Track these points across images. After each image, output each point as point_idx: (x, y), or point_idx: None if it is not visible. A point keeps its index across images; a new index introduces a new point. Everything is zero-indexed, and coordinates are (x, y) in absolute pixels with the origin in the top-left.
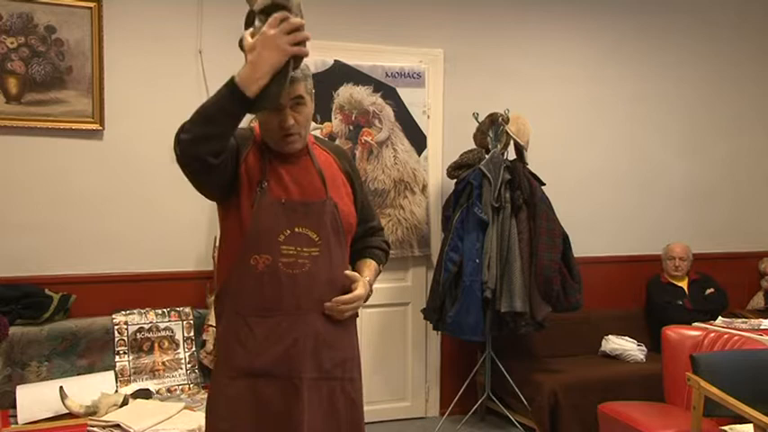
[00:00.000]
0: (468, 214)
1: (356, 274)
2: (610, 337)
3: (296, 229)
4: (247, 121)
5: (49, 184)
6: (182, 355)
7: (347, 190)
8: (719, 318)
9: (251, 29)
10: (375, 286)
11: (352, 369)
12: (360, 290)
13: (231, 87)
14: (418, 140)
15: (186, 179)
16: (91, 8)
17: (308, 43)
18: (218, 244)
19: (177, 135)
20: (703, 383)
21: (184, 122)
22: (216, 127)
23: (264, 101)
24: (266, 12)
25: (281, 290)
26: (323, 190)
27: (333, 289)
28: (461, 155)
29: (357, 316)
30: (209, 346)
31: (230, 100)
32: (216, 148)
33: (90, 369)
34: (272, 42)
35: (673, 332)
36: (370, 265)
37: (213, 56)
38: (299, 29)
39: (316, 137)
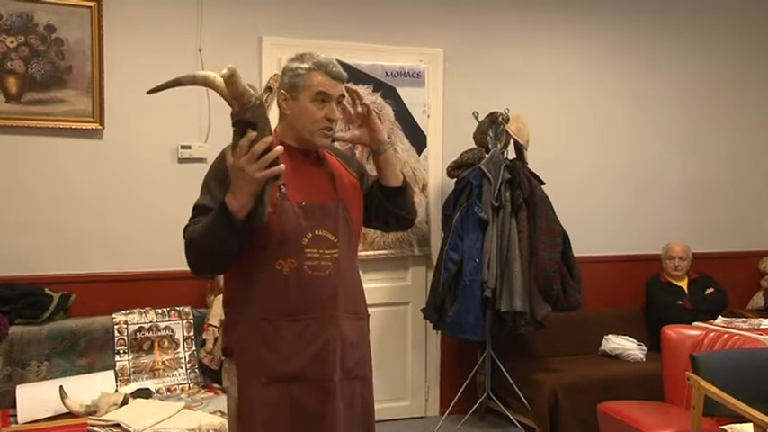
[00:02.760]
0: (468, 213)
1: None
2: (610, 336)
3: (316, 232)
4: None
5: (49, 183)
6: (181, 355)
7: (356, 194)
8: (719, 317)
9: (230, 143)
10: (375, 285)
11: (365, 367)
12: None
13: (225, 212)
14: (418, 140)
15: (185, 178)
16: (91, 7)
17: (308, 43)
18: None
19: (185, 247)
20: (703, 383)
21: (190, 234)
22: (220, 247)
23: (253, 221)
24: (240, 129)
25: (307, 293)
26: (334, 193)
27: (353, 288)
28: (461, 154)
29: (368, 316)
30: (209, 346)
31: (226, 224)
32: (227, 261)
33: (90, 368)
34: (243, 174)
35: (673, 332)
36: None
37: (213, 54)
38: (266, 151)
39: None
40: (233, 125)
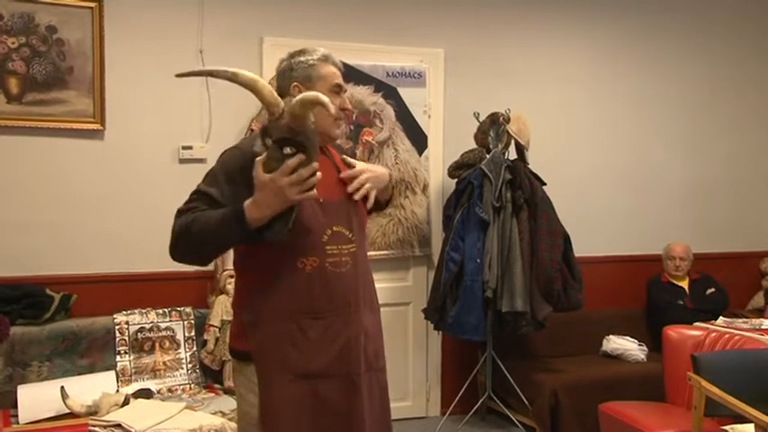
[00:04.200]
0: (469, 214)
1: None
2: (611, 336)
3: (334, 228)
4: (249, 120)
5: (50, 183)
6: (183, 355)
7: None
8: (720, 317)
9: (264, 154)
10: (376, 286)
11: (383, 359)
12: (359, 165)
13: (239, 219)
14: (419, 140)
15: (186, 178)
16: (92, 8)
17: (309, 43)
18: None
19: (177, 230)
20: (704, 383)
21: (189, 221)
22: (218, 247)
23: (269, 234)
24: (281, 144)
25: (330, 290)
26: (344, 188)
27: (369, 282)
28: (462, 154)
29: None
30: (210, 346)
31: (237, 231)
32: (213, 258)
33: (91, 369)
34: (281, 192)
35: (674, 332)
36: None
37: (214, 55)
38: (312, 175)
39: None
40: (276, 140)
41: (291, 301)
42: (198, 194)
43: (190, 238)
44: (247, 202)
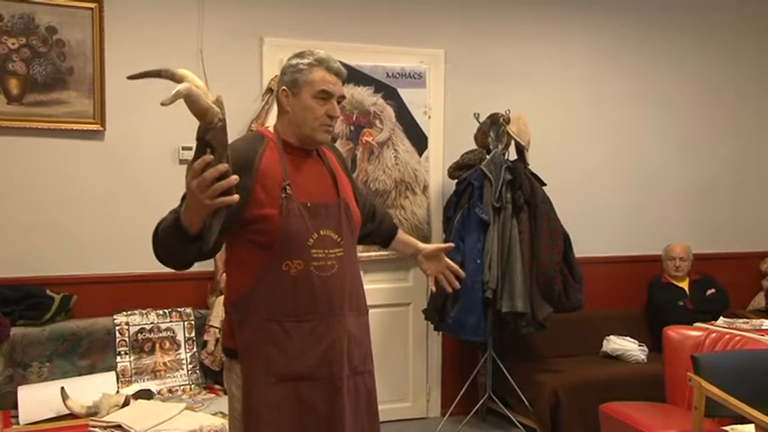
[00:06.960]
0: (470, 215)
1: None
2: (611, 337)
3: (321, 232)
4: (249, 121)
5: (51, 184)
6: (183, 356)
7: (351, 189)
8: (721, 318)
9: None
10: (376, 286)
11: (370, 362)
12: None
13: (178, 224)
14: (419, 141)
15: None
16: (92, 9)
17: (309, 44)
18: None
19: (153, 238)
20: (705, 384)
21: (158, 225)
22: (176, 250)
23: (204, 240)
24: (204, 144)
25: (315, 294)
26: (335, 191)
27: (357, 286)
28: (462, 155)
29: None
30: (211, 347)
31: (178, 235)
32: (186, 262)
33: (91, 370)
34: (193, 196)
35: (674, 332)
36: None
37: (214, 55)
38: (220, 178)
39: None
40: (196, 139)
41: (276, 303)
42: (183, 199)
43: (156, 240)
44: (182, 207)
